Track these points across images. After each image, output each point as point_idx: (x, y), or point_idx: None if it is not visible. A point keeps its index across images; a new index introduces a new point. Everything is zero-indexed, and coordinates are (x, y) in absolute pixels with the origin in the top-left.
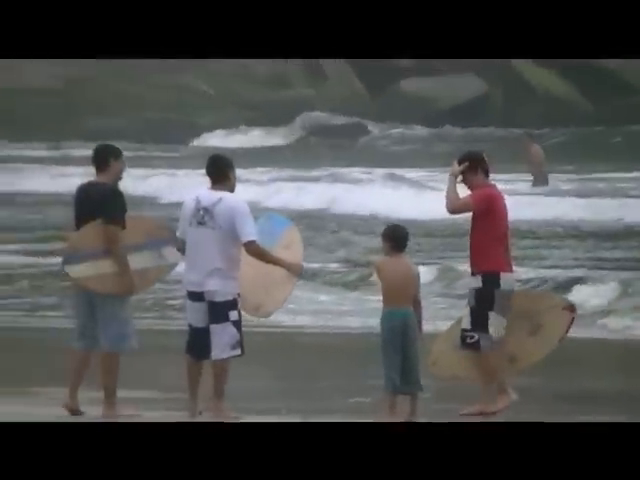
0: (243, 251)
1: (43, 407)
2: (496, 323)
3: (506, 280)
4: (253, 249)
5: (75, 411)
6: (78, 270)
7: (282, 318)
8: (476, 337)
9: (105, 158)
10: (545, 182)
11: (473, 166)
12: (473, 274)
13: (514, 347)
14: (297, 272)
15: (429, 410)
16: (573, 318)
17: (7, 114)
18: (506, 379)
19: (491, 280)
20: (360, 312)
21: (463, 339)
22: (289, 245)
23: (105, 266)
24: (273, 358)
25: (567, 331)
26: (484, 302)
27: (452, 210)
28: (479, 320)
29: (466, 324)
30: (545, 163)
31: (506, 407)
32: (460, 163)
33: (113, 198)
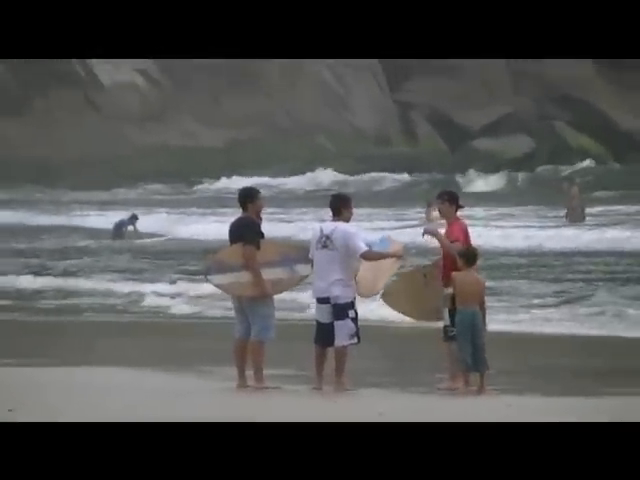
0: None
1: (216, 382)
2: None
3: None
4: (366, 255)
5: (244, 385)
6: (220, 279)
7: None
8: (454, 331)
9: (244, 200)
10: (581, 219)
11: (452, 203)
12: (446, 286)
13: None
14: (399, 254)
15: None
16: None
17: None
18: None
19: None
20: None
21: (445, 332)
22: (394, 245)
23: (241, 276)
24: (379, 345)
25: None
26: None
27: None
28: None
29: (447, 322)
30: (582, 202)
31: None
32: (442, 199)
33: (250, 226)
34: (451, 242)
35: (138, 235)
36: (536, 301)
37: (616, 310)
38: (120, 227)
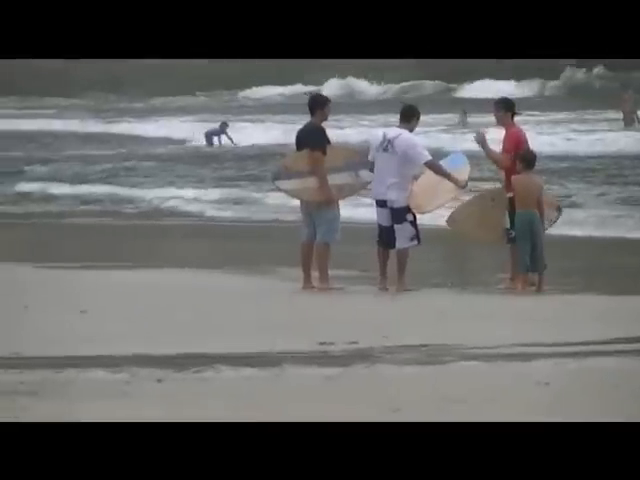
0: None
1: (281, 282)
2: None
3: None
4: (430, 164)
5: (309, 286)
6: (287, 184)
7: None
8: (513, 234)
9: (313, 106)
10: (633, 123)
11: (507, 110)
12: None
13: None
14: (461, 185)
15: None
16: (558, 216)
17: None
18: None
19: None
20: None
21: (507, 235)
22: (460, 171)
23: (308, 182)
24: (438, 248)
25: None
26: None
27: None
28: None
29: (507, 225)
30: (635, 108)
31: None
32: (497, 107)
33: (317, 133)
34: (505, 151)
35: (230, 141)
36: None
37: None
38: (211, 135)
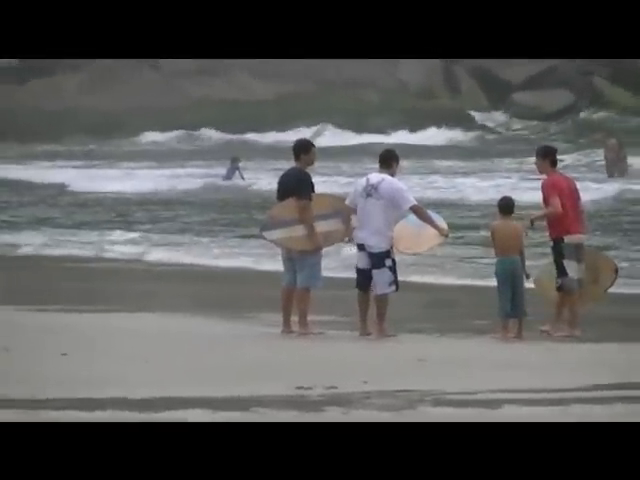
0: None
1: (259, 327)
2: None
3: (570, 238)
4: (416, 209)
5: (289, 330)
6: (274, 234)
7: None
8: (559, 282)
9: (298, 151)
10: (622, 173)
11: (545, 157)
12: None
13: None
14: (444, 233)
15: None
16: (615, 278)
17: None
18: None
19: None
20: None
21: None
22: (441, 221)
23: (295, 230)
24: (422, 296)
25: (610, 287)
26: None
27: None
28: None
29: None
30: (622, 155)
31: (567, 335)
32: (536, 155)
33: (303, 179)
34: (546, 199)
35: (242, 176)
36: None
37: None
38: (231, 171)
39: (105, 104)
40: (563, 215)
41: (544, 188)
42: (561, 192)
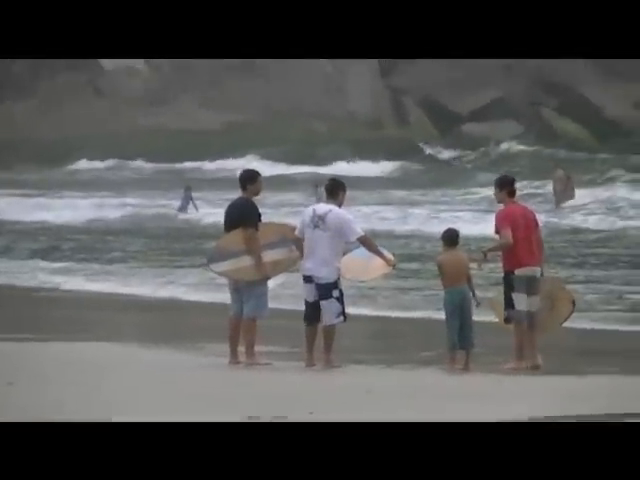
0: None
1: (206, 358)
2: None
3: (521, 270)
4: (363, 240)
5: (236, 361)
6: (222, 266)
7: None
8: (506, 313)
9: (244, 181)
10: (561, 204)
11: (501, 188)
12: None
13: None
14: (391, 264)
15: (478, 362)
16: (572, 311)
17: None
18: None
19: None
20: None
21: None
22: (387, 253)
23: (243, 261)
24: (369, 327)
25: (567, 319)
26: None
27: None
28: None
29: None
30: (570, 186)
31: (529, 368)
32: (495, 185)
33: (250, 209)
34: (495, 230)
35: (196, 207)
36: None
37: None
38: (185, 201)
39: (48, 132)
40: (515, 246)
41: (497, 219)
42: (514, 223)
